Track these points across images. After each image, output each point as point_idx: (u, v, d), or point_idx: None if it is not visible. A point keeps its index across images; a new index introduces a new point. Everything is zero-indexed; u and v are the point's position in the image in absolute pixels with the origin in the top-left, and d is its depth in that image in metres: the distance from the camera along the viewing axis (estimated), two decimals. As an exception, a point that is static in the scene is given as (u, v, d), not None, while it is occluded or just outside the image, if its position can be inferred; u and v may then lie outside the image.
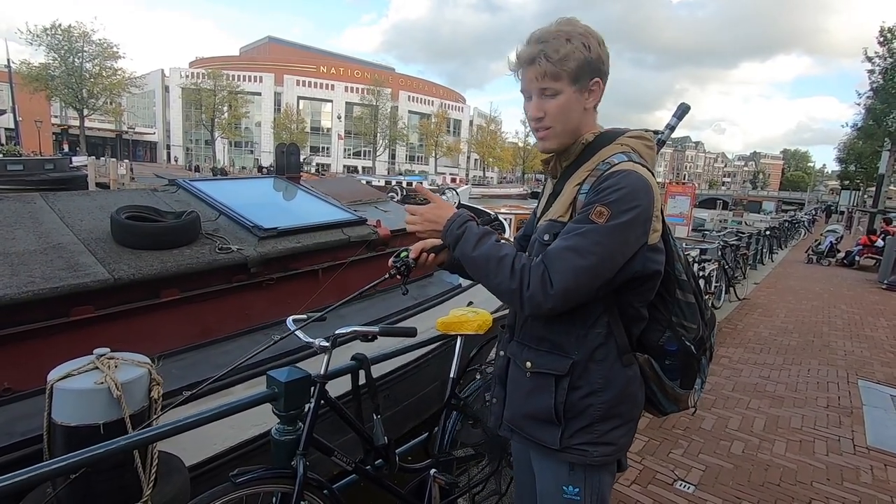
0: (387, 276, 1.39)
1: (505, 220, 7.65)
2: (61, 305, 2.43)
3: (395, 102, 65.92)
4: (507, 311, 1.33)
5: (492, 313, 1.91)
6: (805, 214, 30.99)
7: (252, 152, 63.61)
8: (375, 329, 1.47)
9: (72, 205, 3.17)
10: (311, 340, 1.49)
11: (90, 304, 2.53)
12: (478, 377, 1.96)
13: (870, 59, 21.74)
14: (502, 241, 1.11)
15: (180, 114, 58.54)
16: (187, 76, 55.00)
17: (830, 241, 12.81)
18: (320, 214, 4.08)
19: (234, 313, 3.14)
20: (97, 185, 21.90)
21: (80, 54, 35.34)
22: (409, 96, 70.74)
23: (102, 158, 29.02)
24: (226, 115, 51.33)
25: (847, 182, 47.11)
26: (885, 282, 9.35)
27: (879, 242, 11.71)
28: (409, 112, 69.72)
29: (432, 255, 1.33)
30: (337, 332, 1.52)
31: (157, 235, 2.95)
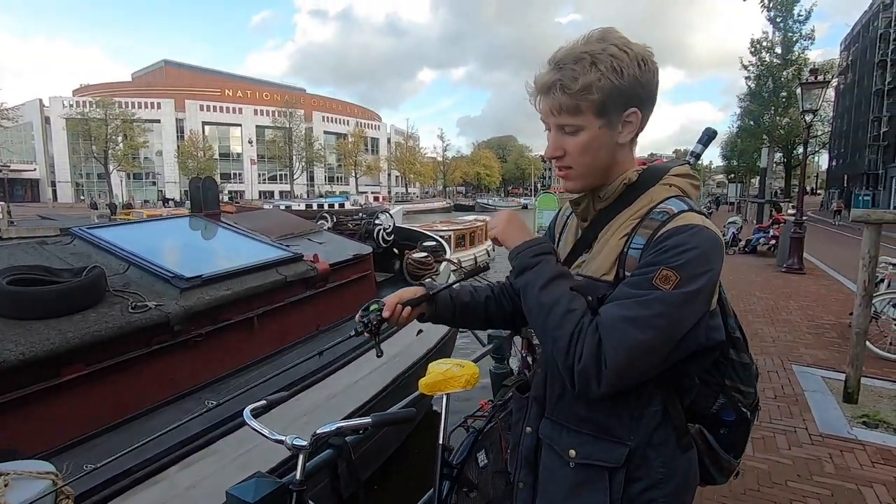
0: (352, 333, 1.12)
1: (444, 236, 7.47)
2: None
3: (310, 123, 64.31)
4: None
5: (475, 361, 1.71)
6: (704, 207, 34.00)
7: (154, 184, 58.97)
8: (368, 420, 1.22)
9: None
10: (282, 437, 1.19)
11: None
12: (465, 433, 1.73)
13: (745, 67, 24.40)
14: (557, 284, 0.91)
15: (66, 147, 52.98)
16: (71, 105, 50.08)
17: (733, 232, 13.99)
18: (250, 254, 3.66)
19: (157, 380, 2.69)
20: (-34, 233, 19.07)
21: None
22: (323, 116, 69.33)
23: (-28, 202, 25.38)
24: (121, 145, 47.13)
25: (732, 175, 52.82)
26: (784, 265, 10.31)
27: (770, 231, 12.91)
28: (325, 132, 68.28)
29: (408, 308, 1.10)
30: (318, 431, 1.23)
31: (52, 301, 2.44)
